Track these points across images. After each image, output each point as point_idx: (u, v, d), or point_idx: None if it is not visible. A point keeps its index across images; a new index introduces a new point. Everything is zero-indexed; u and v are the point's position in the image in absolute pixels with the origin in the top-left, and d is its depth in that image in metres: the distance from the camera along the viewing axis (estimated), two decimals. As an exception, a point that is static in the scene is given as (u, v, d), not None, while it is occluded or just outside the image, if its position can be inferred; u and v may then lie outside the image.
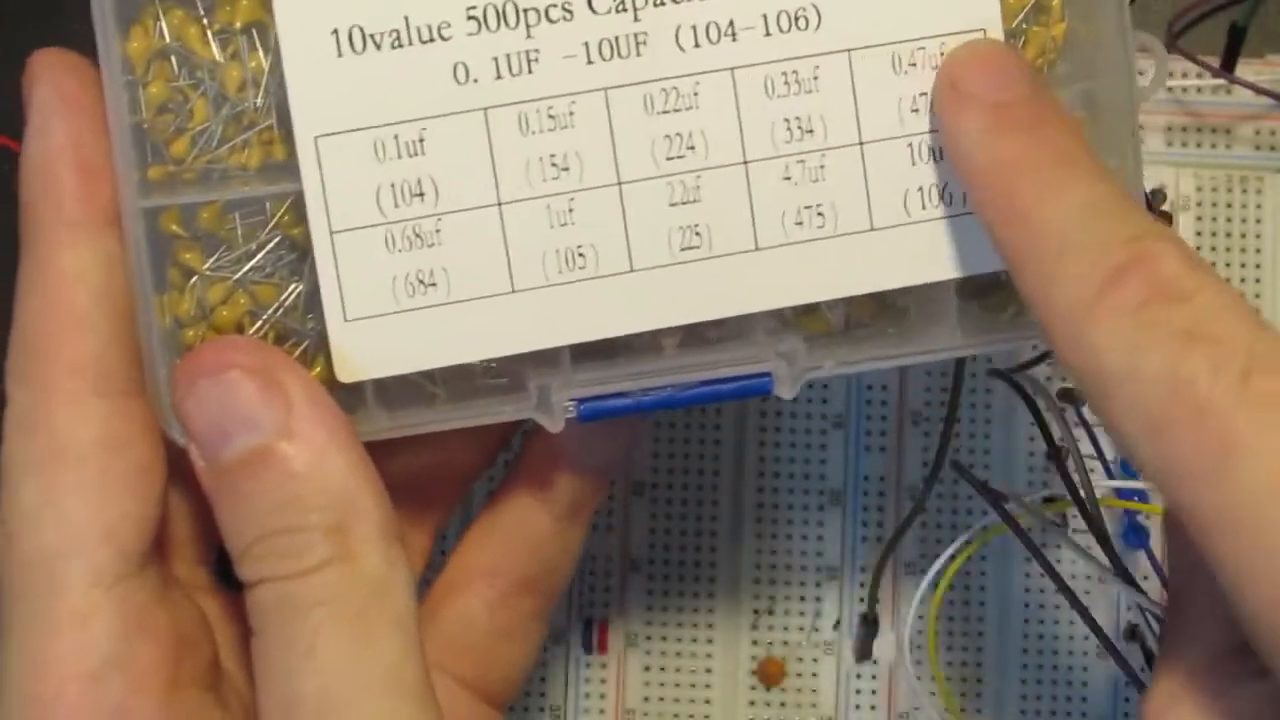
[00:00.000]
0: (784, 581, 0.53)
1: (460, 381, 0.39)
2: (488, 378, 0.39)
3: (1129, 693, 0.53)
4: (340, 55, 0.36)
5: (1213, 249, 0.53)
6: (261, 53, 0.37)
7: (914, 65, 0.37)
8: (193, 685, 0.38)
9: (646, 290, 0.37)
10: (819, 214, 0.37)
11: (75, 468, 0.36)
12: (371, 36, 0.36)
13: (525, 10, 0.36)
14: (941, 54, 0.37)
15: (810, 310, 0.39)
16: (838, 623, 0.53)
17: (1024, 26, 0.39)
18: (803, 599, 0.53)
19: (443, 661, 0.42)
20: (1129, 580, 0.42)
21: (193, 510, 0.41)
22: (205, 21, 0.37)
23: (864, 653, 0.53)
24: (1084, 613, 0.44)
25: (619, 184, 0.37)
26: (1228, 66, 0.52)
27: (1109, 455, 0.51)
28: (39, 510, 0.36)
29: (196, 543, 0.41)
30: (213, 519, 0.40)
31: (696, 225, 0.37)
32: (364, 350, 0.37)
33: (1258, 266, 0.54)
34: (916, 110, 0.37)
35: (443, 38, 0.36)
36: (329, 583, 0.35)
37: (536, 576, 0.43)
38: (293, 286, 0.38)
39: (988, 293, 0.40)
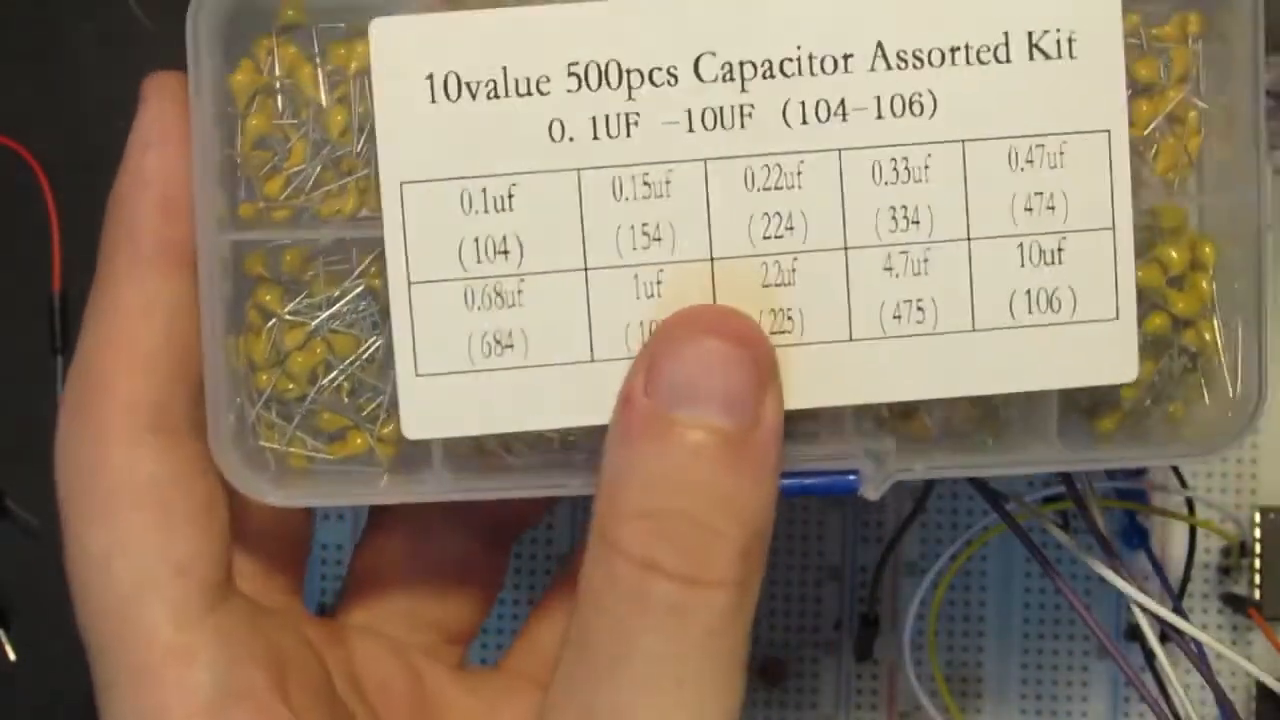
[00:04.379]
0: (784, 581, 0.53)
1: (535, 447, 0.37)
2: (563, 449, 0.37)
3: (1129, 693, 0.53)
4: (434, 101, 0.35)
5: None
6: (371, 100, 0.36)
7: (1031, 162, 0.35)
8: (312, 709, 0.37)
9: (732, 372, 0.36)
10: (919, 309, 0.36)
11: (137, 509, 0.35)
12: (467, 85, 0.35)
13: (629, 71, 0.35)
14: (1062, 153, 0.35)
15: (908, 414, 0.38)
16: (838, 623, 0.53)
17: (1156, 136, 0.37)
18: (803, 599, 0.53)
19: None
20: (1129, 580, 0.41)
21: (283, 540, 0.40)
22: (319, 61, 0.37)
23: (864, 653, 0.53)
24: (1084, 613, 0.43)
25: (711, 259, 0.35)
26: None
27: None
28: (107, 557, 0.35)
29: (286, 573, 0.40)
30: (299, 547, 0.40)
31: (789, 309, 0.36)
32: (433, 407, 0.36)
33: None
34: (1030, 210, 0.36)
35: (541, 92, 0.35)
36: (724, 608, 0.34)
37: None
38: (373, 340, 0.37)
39: (1095, 407, 0.38)
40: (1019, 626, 0.53)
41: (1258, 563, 0.52)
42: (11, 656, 0.53)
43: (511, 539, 0.44)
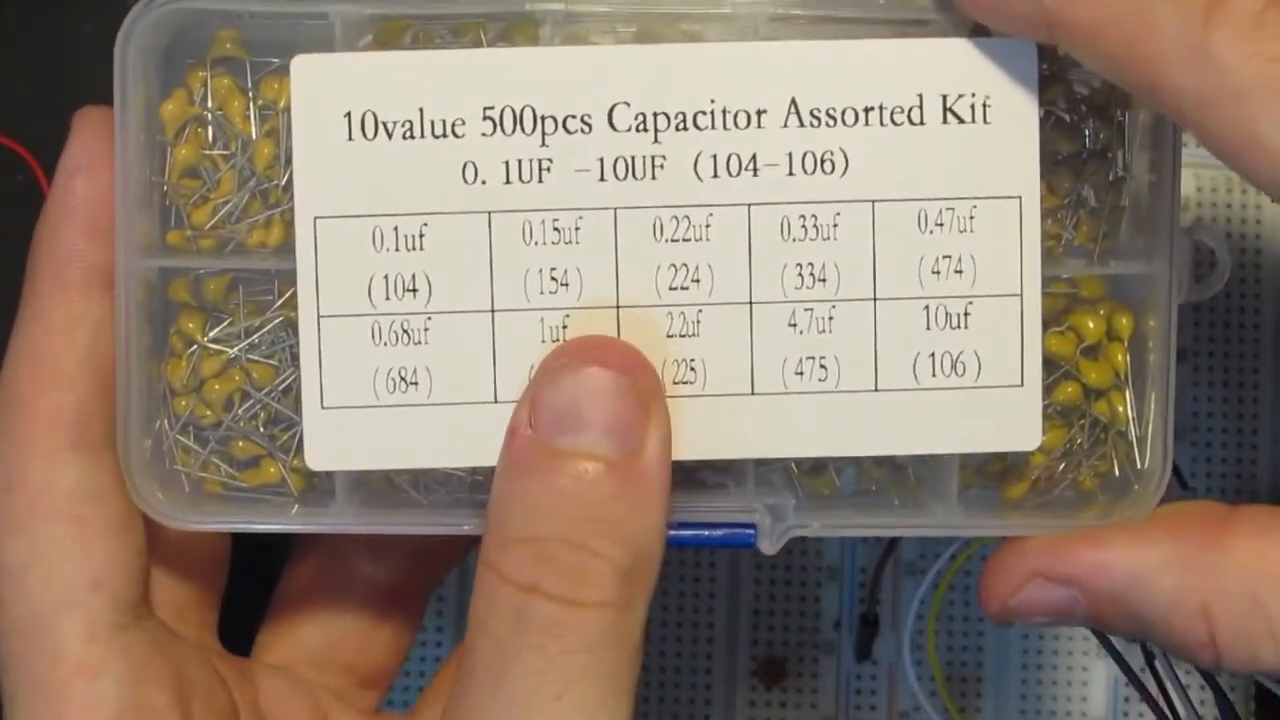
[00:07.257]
0: (784, 581, 0.53)
1: (446, 485, 0.38)
2: (471, 489, 0.38)
3: (1129, 693, 0.52)
4: (350, 139, 0.36)
5: (1212, 250, 0.52)
6: (289, 134, 0.36)
7: (940, 225, 0.36)
8: None
9: (634, 419, 0.36)
10: (821, 366, 0.36)
11: (54, 523, 0.36)
12: (384, 124, 0.35)
13: (543, 118, 0.35)
14: (972, 217, 0.36)
15: (817, 470, 0.38)
16: (838, 623, 0.53)
17: (1078, 205, 0.37)
18: (803, 599, 0.53)
19: None
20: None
21: (195, 574, 0.40)
22: (251, 95, 0.37)
23: (864, 653, 0.52)
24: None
25: (617, 307, 0.36)
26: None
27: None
28: (23, 570, 0.36)
29: (201, 608, 0.41)
30: (214, 582, 0.41)
31: (692, 360, 0.36)
32: (337, 440, 0.36)
33: (1257, 267, 0.53)
34: (938, 273, 0.36)
35: (456, 135, 0.36)
36: (603, 627, 0.34)
37: None
38: (290, 371, 0.37)
39: (1005, 473, 0.38)
40: (1019, 627, 0.52)
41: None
42: None
43: (430, 582, 0.44)
